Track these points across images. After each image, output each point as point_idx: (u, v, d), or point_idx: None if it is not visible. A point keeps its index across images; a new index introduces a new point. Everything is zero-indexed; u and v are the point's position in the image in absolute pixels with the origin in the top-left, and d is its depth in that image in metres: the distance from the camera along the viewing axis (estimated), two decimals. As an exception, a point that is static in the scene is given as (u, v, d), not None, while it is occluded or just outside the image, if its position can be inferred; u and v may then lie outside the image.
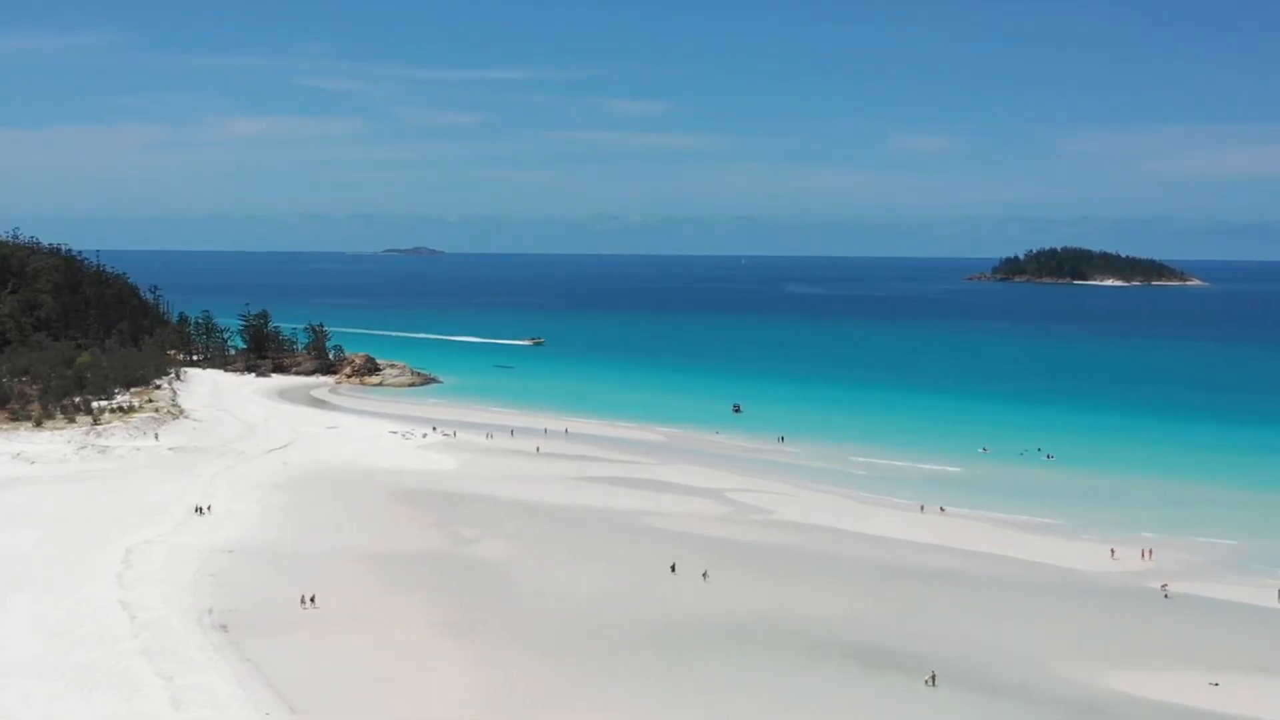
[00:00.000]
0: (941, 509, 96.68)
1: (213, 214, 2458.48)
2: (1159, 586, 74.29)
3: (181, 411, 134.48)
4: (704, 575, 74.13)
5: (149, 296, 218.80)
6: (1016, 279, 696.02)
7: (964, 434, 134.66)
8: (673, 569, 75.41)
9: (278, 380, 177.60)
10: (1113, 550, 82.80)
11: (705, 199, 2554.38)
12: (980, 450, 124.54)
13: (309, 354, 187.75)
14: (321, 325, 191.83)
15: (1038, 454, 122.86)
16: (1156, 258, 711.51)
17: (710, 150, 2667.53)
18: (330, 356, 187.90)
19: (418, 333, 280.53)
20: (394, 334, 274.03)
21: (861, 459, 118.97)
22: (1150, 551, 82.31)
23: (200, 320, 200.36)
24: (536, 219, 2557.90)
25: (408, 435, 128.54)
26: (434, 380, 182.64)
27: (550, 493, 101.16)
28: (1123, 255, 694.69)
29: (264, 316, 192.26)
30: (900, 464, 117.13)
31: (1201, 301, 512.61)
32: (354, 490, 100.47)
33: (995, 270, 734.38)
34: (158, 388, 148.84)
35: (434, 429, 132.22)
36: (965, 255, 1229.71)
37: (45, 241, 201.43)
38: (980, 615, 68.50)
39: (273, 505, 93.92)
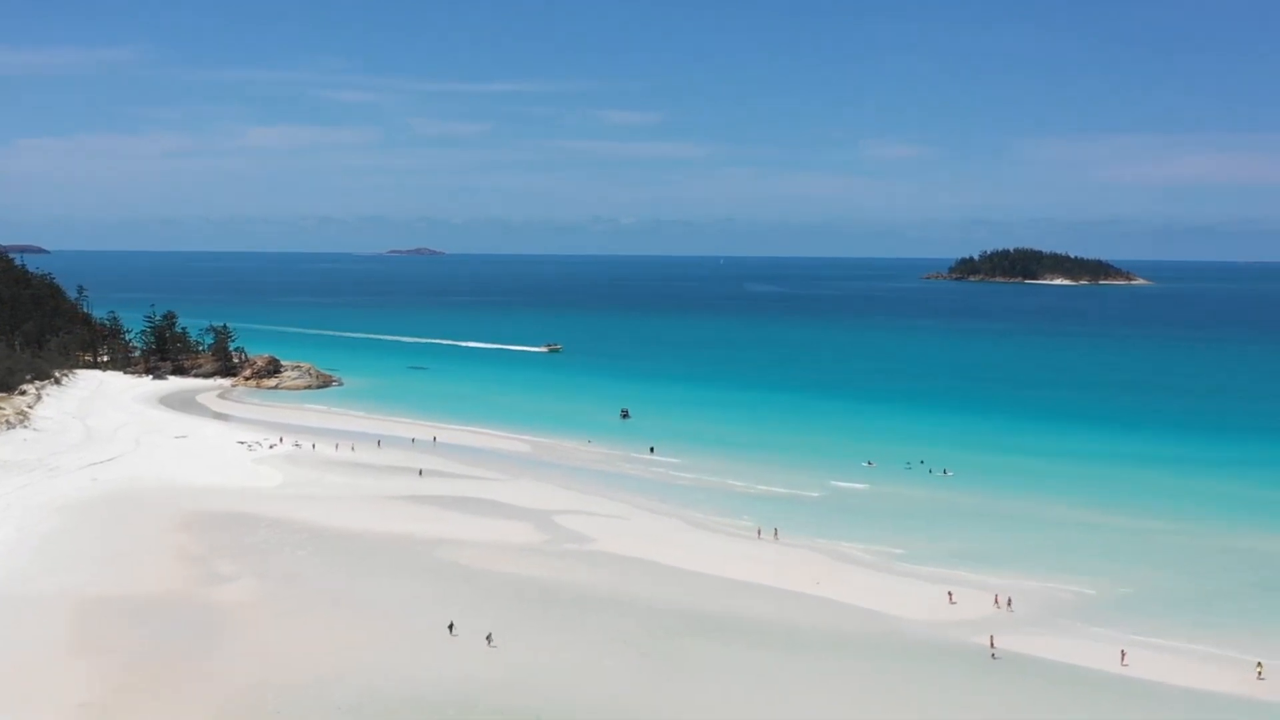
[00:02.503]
0: (775, 535, 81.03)
1: (231, 217, 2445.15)
2: (988, 642, 58.89)
3: (24, 419, 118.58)
4: (488, 639, 58.09)
5: (74, 297, 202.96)
6: (971, 278, 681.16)
7: (859, 443, 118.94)
8: (450, 629, 59.43)
9: (173, 383, 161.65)
10: (950, 594, 67.22)
11: (691, 203, 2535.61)
12: (865, 463, 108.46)
13: (211, 356, 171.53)
14: (225, 326, 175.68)
15: (922, 466, 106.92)
16: (1108, 258, 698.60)
17: (696, 158, 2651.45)
18: (234, 358, 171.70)
19: (423, 338, 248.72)
20: (391, 339, 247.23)
21: (718, 477, 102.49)
22: (1008, 599, 66.24)
23: (106, 322, 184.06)
24: (534, 221, 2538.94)
25: (253, 446, 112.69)
26: (335, 382, 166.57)
27: (359, 516, 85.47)
28: (1071, 256, 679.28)
29: (170, 318, 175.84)
30: (765, 479, 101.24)
31: (1140, 300, 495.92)
32: (144, 514, 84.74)
33: (951, 270, 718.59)
34: (22, 393, 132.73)
35: (281, 439, 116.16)
36: (930, 256, 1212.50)
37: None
38: (753, 684, 53.26)
39: (36, 533, 78.35)
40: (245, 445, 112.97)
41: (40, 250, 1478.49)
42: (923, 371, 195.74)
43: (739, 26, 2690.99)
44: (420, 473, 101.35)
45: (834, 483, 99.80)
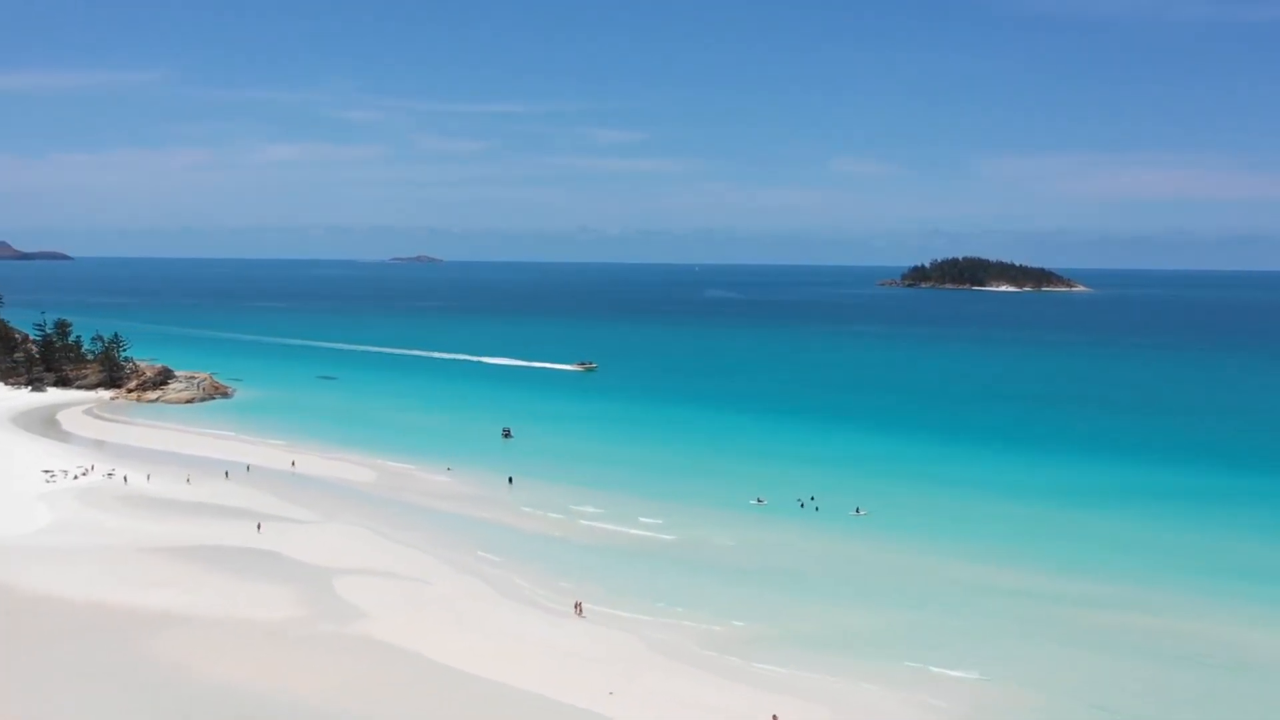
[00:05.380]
0: (578, 609, 59.23)
1: (247, 226, 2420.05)
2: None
3: None
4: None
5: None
6: (922, 285, 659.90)
7: (761, 471, 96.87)
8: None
9: (51, 395, 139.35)
10: (775, 718, 45.49)
11: (672, 214, 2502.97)
12: (754, 500, 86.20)
13: (97, 366, 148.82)
14: (116, 335, 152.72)
15: (811, 504, 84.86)
16: (1054, 266, 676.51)
17: (678, 173, 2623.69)
18: (126, 368, 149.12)
19: (446, 353, 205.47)
20: (414, 353, 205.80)
21: (562, 519, 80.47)
22: None
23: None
24: (527, 231, 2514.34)
25: (56, 475, 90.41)
26: (224, 394, 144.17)
27: (99, 578, 63.23)
28: (1016, 264, 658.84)
29: (62, 326, 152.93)
30: (621, 521, 79.57)
31: (1077, 306, 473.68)
32: None
33: (904, 277, 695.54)
34: None
35: (92, 467, 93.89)
36: (892, 264, 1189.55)
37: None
38: None
39: None
40: (49, 474, 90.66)
41: (64, 257, 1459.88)
42: (856, 382, 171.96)
43: (718, 52, 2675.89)
44: (259, 527, 75.70)
45: (698, 529, 77.77)
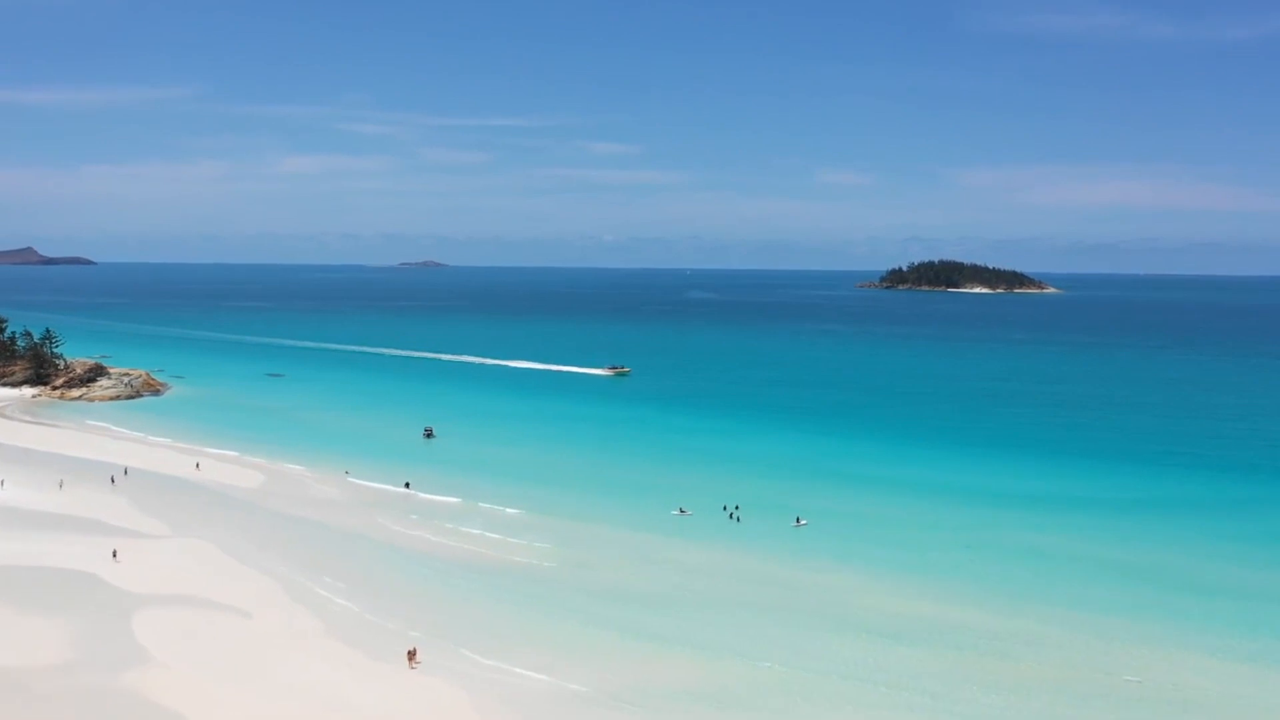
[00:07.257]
0: (412, 658, 45.48)
1: (265, 234, 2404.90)
2: None
3: None
4: None
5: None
6: (900, 287, 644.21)
7: (698, 476, 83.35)
8: None
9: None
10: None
11: (665, 223, 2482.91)
12: (675, 512, 72.52)
13: (25, 363, 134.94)
14: (48, 331, 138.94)
15: (738, 512, 71.45)
16: (1026, 270, 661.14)
17: (670, 183, 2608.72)
18: (59, 364, 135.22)
19: (463, 356, 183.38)
20: (438, 357, 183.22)
21: (438, 537, 66.69)
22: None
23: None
24: (527, 238, 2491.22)
25: (-101, 484, 76.76)
26: (156, 392, 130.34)
27: None
28: (990, 267, 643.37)
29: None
30: (516, 536, 66.00)
31: (1047, 306, 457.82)
32: None
33: (882, 279, 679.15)
34: None
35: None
36: (871, 268, 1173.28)
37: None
38: None
39: None
40: (-103, 483, 76.91)
41: (88, 262, 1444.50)
42: (818, 380, 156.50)
43: (709, 70, 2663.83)
44: (115, 554, 60.27)
45: (596, 549, 64.04)
